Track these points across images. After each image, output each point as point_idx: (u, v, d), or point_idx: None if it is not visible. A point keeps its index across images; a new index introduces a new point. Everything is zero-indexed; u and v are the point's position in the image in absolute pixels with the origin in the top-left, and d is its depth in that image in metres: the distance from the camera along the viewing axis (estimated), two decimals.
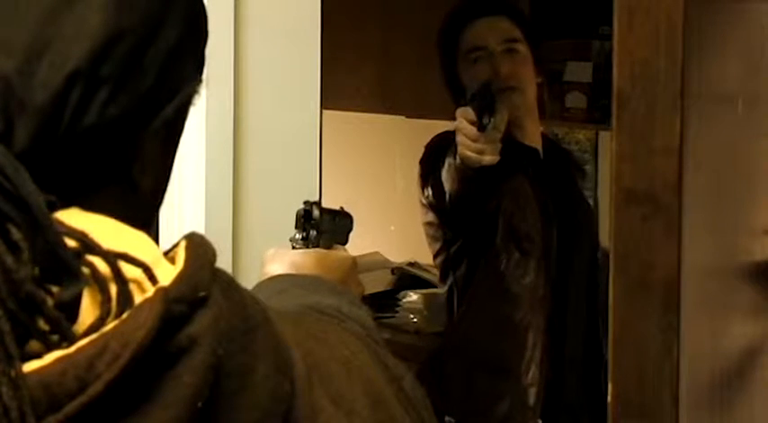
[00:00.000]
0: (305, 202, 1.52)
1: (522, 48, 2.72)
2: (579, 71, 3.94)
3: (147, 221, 0.78)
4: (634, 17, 1.66)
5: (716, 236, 1.75)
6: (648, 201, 1.67)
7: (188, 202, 2.01)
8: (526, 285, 2.67)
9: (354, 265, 1.42)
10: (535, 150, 2.78)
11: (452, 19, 2.80)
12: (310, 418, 0.71)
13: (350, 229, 1.55)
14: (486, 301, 2.71)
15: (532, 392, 2.64)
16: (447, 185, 2.59)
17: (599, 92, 3.81)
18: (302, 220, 1.50)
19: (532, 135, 2.78)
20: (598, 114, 3.85)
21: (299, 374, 0.71)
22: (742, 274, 1.75)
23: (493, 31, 2.72)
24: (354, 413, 0.76)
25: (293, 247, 1.47)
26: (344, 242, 1.53)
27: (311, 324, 0.88)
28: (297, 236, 1.48)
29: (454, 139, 2.48)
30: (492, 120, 2.39)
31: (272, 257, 1.38)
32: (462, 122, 2.39)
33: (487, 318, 2.70)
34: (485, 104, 2.42)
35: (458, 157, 2.42)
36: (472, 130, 2.37)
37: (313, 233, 1.48)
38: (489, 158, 2.37)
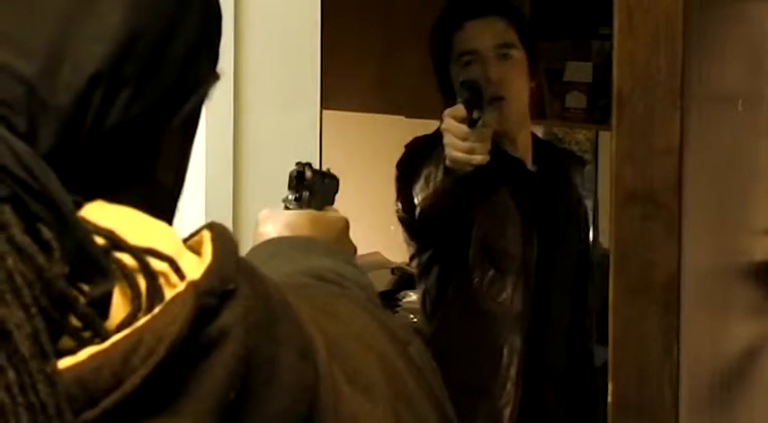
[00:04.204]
0: (297, 164, 1.53)
1: (515, 52, 2.62)
2: (579, 71, 3.94)
3: (168, 212, 0.79)
4: (634, 17, 1.66)
5: (716, 236, 1.75)
6: (648, 201, 1.67)
7: (188, 202, 2.01)
8: (501, 302, 2.58)
9: (347, 226, 1.43)
10: (520, 162, 2.69)
11: (445, 19, 2.70)
12: (333, 402, 0.72)
13: (336, 191, 1.56)
14: (458, 321, 2.63)
15: (507, 412, 2.57)
16: (418, 200, 2.52)
17: (599, 92, 3.81)
18: (295, 182, 1.50)
19: (521, 145, 2.70)
20: (598, 114, 3.85)
21: (321, 359, 0.72)
22: (742, 274, 1.75)
23: (485, 34, 2.62)
24: (370, 389, 0.77)
25: (286, 208, 1.47)
26: (332, 203, 1.54)
27: (320, 298, 0.89)
28: (290, 197, 1.49)
29: (433, 148, 2.40)
30: (482, 116, 2.32)
31: (266, 218, 1.39)
32: (450, 122, 2.32)
33: (459, 337, 2.62)
34: (473, 100, 2.35)
35: (446, 161, 2.34)
36: (461, 128, 2.30)
37: (306, 194, 1.49)
38: (479, 158, 2.29)
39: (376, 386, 0.78)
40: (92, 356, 0.62)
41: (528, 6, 3.98)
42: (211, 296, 0.64)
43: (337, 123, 4.06)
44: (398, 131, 4.31)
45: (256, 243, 1.28)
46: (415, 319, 3.69)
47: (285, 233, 1.34)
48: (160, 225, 0.70)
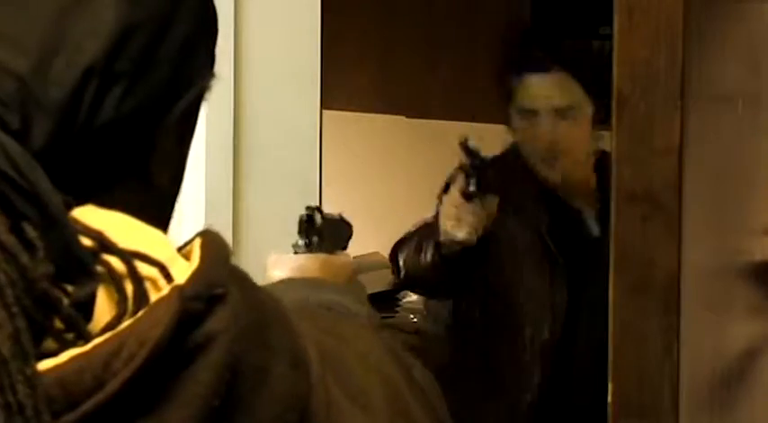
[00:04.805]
0: (307, 208, 1.53)
1: (577, 112, 2.51)
2: None
3: (163, 217, 0.78)
4: (634, 17, 1.66)
5: (716, 236, 1.75)
6: (648, 201, 1.67)
7: (188, 202, 2.01)
8: (519, 354, 2.49)
9: (357, 271, 1.44)
10: (577, 211, 2.58)
11: (507, 67, 2.59)
12: (326, 414, 0.71)
13: (349, 236, 1.56)
14: (467, 379, 2.54)
15: None
16: (402, 263, 2.45)
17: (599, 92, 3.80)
18: (305, 226, 1.50)
19: (581, 198, 2.58)
20: (598, 114, 3.84)
21: (314, 370, 0.70)
22: (742, 274, 1.75)
23: (544, 94, 2.51)
24: (370, 408, 0.76)
25: (295, 253, 1.48)
26: (345, 248, 1.54)
27: (323, 320, 0.88)
28: (299, 242, 1.49)
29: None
30: (477, 194, 2.24)
31: (276, 263, 1.39)
32: (452, 191, 2.27)
33: (474, 375, 2.55)
34: (471, 167, 2.28)
35: (440, 234, 2.29)
36: (456, 196, 2.24)
37: (315, 239, 1.49)
38: (463, 234, 2.22)
39: (376, 405, 0.77)
40: (73, 359, 0.61)
41: (528, 6, 3.98)
42: (197, 301, 0.63)
43: (337, 123, 4.06)
44: (398, 131, 4.32)
45: None
46: (415, 319, 3.69)
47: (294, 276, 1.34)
48: (153, 231, 0.69)
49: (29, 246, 0.62)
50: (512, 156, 2.61)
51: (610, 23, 1.69)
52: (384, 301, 3.80)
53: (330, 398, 0.71)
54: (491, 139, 4.21)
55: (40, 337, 0.62)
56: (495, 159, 2.56)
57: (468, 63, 4.13)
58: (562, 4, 3.99)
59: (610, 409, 1.69)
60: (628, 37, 1.66)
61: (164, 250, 0.67)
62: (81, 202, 0.68)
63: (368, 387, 0.77)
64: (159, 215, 0.76)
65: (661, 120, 1.66)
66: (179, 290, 0.63)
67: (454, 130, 4.26)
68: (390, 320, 3.69)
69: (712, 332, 1.74)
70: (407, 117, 4.24)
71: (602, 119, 3.86)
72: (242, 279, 0.68)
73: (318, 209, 1.52)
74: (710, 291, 1.75)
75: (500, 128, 4.22)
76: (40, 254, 0.62)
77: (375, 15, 4.20)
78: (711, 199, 1.74)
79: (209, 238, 0.68)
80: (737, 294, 1.75)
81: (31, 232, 0.63)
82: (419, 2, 4.16)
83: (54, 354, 0.61)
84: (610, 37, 1.75)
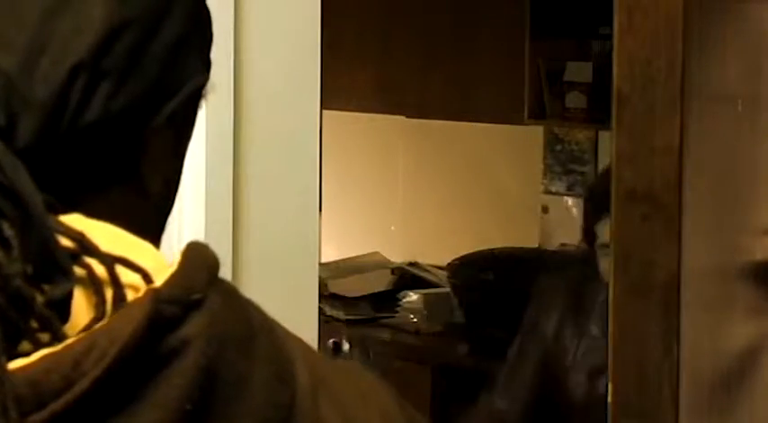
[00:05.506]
0: (333, 341, 1.52)
1: None
2: (579, 71, 3.95)
3: (155, 228, 0.77)
4: (634, 17, 1.66)
5: (716, 236, 1.75)
6: (648, 201, 1.67)
7: (188, 202, 2.01)
8: None
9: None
10: None
11: (590, 205, 2.69)
12: None
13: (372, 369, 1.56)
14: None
15: None
16: None
17: (599, 92, 3.81)
18: (332, 355, 1.49)
19: None
20: (598, 114, 3.85)
21: (301, 385, 0.69)
22: (742, 274, 1.75)
23: None
24: None
25: None
26: None
27: (324, 359, 0.87)
28: None
29: None
30: None
31: None
32: None
33: None
34: None
35: None
36: None
37: None
38: None
39: None
40: (43, 358, 0.60)
41: (528, 6, 3.99)
42: (173, 304, 0.63)
43: (337, 123, 4.06)
44: (398, 131, 4.32)
45: None
46: (416, 319, 3.69)
47: None
48: (140, 242, 0.68)
49: (4, 243, 0.61)
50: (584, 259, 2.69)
51: (610, 23, 1.69)
52: (384, 301, 3.80)
53: (319, 414, 0.70)
54: (491, 140, 4.21)
55: (17, 337, 0.61)
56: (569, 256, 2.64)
57: (468, 63, 4.14)
58: (561, 4, 4.00)
59: (610, 409, 1.69)
60: (628, 37, 1.66)
61: (149, 259, 0.67)
62: (68, 204, 0.67)
63: (364, 416, 0.75)
64: (151, 225, 0.75)
65: (661, 120, 1.66)
66: (153, 292, 0.63)
67: (454, 130, 4.27)
68: (390, 320, 3.70)
69: (712, 332, 1.74)
70: (407, 117, 4.24)
71: (597, 118, 3.87)
72: (227, 290, 0.67)
73: (346, 340, 1.51)
74: (710, 291, 1.75)
75: (500, 128, 4.23)
76: (15, 252, 0.61)
77: (375, 15, 4.21)
78: (711, 199, 1.74)
79: (193, 247, 0.67)
80: (737, 294, 1.75)
81: (7, 230, 0.62)
82: (419, 2, 4.16)
83: (29, 354, 0.61)
84: (610, 37, 1.75)
